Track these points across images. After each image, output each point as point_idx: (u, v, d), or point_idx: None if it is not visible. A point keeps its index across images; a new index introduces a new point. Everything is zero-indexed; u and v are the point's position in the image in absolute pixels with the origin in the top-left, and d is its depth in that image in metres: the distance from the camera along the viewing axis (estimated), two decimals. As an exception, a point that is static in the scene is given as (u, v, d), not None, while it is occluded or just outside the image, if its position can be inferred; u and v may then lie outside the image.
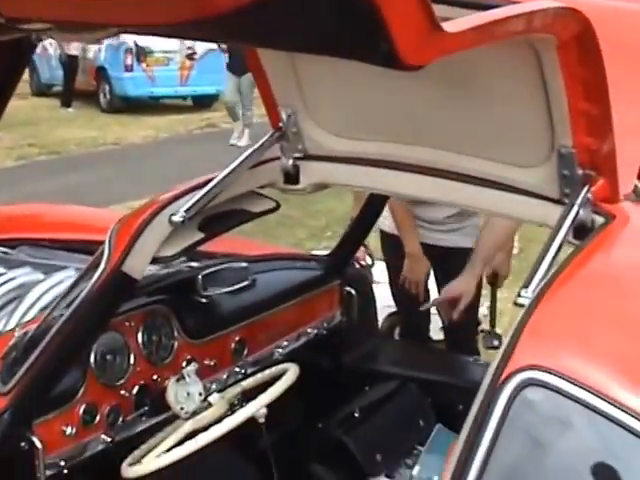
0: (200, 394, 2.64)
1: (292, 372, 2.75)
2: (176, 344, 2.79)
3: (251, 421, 2.78)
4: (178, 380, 2.63)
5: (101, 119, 15.96)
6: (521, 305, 1.77)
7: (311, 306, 3.33)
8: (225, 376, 2.92)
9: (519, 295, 1.78)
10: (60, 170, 11.27)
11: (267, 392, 2.63)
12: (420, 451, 3.17)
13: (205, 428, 2.54)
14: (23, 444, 2.30)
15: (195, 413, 2.61)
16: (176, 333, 2.80)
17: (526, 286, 1.79)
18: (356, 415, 3.14)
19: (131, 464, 2.49)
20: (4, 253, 3.47)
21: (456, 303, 3.74)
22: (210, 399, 2.64)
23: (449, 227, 4.00)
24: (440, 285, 3.99)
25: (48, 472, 2.35)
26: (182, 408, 2.60)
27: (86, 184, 10.02)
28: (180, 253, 2.42)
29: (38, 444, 2.30)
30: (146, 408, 2.65)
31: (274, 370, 2.86)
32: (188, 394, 2.61)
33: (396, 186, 2.50)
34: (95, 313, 2.31)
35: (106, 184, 10.09)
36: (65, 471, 2.41)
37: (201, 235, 2.45)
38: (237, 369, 2.97)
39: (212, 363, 2.87)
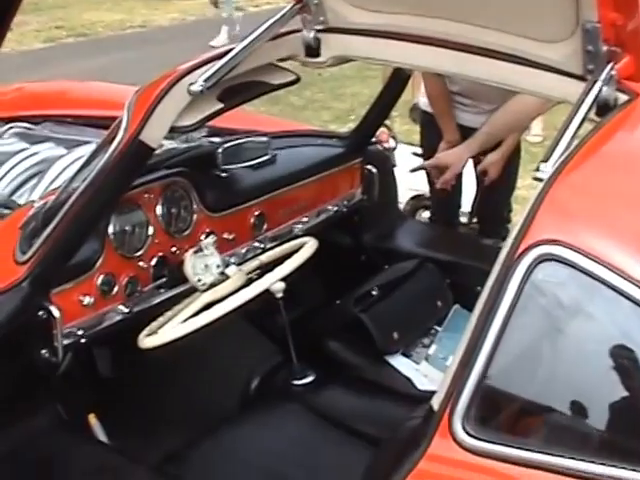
0: (218, 266, 2.61)
1: (310, 245, 2.72)
2: (195, 217, 2.76)
3: (269, 297, 2.77)
4: (196, 252, 2.60)
5: (129, 2, 15.69)
6: (540, 179, 1.71)
7: (331, 184, 3.28)
8: (244, 250, 2.89)
9: (538, 169, 1.72)
10: (87, 52, 11.11)
11: (284, 264, 2.60)
12: (437, 331, 3.16)
13: (222, 300, 2.52)
14: (41, 313, 2.29)
15: (212, 285, 2.59)
16: (195, 206, 2.76)
17: (545, 160, 1.73)
18: (374, 293, 3.11)
19: (148, 335, 2.48)
20: (28, 129, 3.42)
21: (444, 171, 3.64)
22: (227, 271, 2.61)
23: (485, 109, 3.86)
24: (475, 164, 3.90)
25: (66, 341, 2.34)
26: (199, 280, 2.58)
27: (113, 66, 9.88)
28: (198, 123, 2.36)
29: (56, 313, 2.29)
30: (164, 280, 2.63)
31: (292, 244, 2.83)
32: (206, 266, 2.59)
33: (416, 59, 2.42)
34: (112, 182, 2.26)
35: (132, 66, 9.94)
36: (82, 340, 2.40)
37: (220, 105, 2.39)
38: (256, 244, 2.94)
39: (231, 237, 2.84)
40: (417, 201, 4.58)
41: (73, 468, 2.28)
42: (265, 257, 2.84)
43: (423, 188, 4.22)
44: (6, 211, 2.69)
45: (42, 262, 2.28)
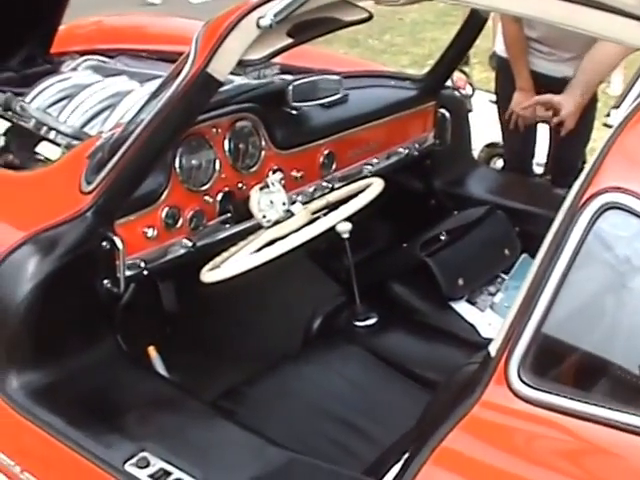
0: (283, 204, 2.56)
1: (377, 185, 2.65)
2: (263, 153, 2.71)
3: (335, 237, 2.72)
4: (262, 188, 2.56)
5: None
6: (609, 126, 1.62)
7: (403, 126, 3.20)
8: (311, 190, 2.84)
9: (608, 115, 1.63)
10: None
11: (349, 203, 2.54)
12: (503, 279, 3.09)
13: (286, 237, 2.48)
14: (104, 243, 2.27)
15: (277, 222, 2.55)
16: (264, 143, 2.71)
17: (617, 107, 1.64)
18: (442, 238, 3.04)
19: (210, 269, 2.45)
20: (102, 62, 3.39)
21: (556, 112, 3.51)
22: (293, 209, 2.56)
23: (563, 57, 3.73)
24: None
25: (128, 272, 2.32)
26: (264, 216, 2.54)
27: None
28: (266, 57, 2.29)
29: (119, 244, 2.26)
30: (229, 215, 2.59)
31: (359, 184, 2.77)
32: (271, 202, 2.55)
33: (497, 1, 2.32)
34: (178, 114, 2.21)
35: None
36: (145, 272, 2.38)
37: (289, 40, 2.32)
38: (324, 183, 2.89)
39: (299, 175, 2.78)
40: (491, 149, 4.47)
41: (129, 399, 2.26)
42: (332, 197, 2.78)
43: (497, 136, 4.12)
44: (76, 142, 2.67)
45: (107, 192, 2.25)
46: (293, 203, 2.60)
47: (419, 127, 3.27)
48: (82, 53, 3.47)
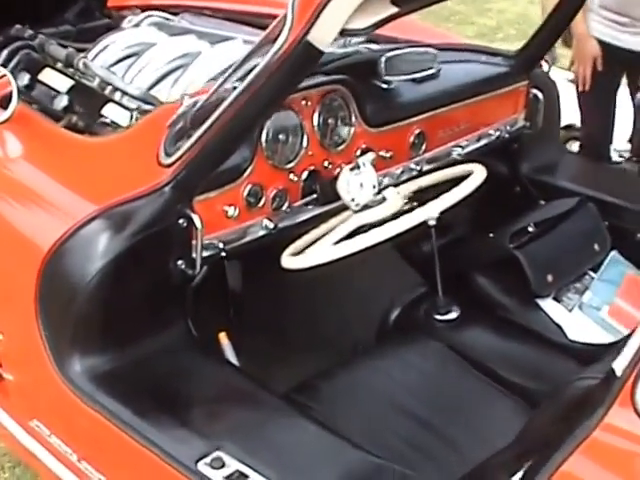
0: (374, 186, 2.30)
1: (480, 173, 2.38)
2: (352, 130, 2.44)
3: (419, 223, 2.46)
4: (352, 169, 2.29)
5: None
6: None
7: (494, 106, 2.91)
8: (399, 171, 2.57)
9: None
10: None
11: (452, 192, 2.27)
12: (592, 277, 2.81)
13: (375, 224, 2.23)
14: (182, 221, 2.02)
15: (366, 207, 2.29)
16: (354, 118, 2.44)
17: None
18: (530, 230, 2.77)
19: (293, 254, 2.21)
20: (166, 19, 3.10)
21: None
22: (385, 193, 2.30)
23: None
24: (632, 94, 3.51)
25: (205, 253, 2.07)
26: (353, 199, 2.28)
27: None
28: (371, 27, 2.02)
29: (198, 222, 2.01)
30: (314, 196, 2.34)
31: (457, 169, 2.50)
32: (361, 185, 2.28)
33: None
34: (273, 86, 1.94)
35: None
36: (222, 254, 2.13)
37: (395, 9, 2.04)
38: (413, 165, 2.62)
39: (388, 155, 2.51)
40: (568, 132, 4.17)
41: (200, 390, 2.03)
42: (424, 181, 2.52)
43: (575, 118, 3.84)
44: (147, 107, 2.41)
45: (189, 167, 1.99)
46: (383, 187, 2.34)
47: (510, 108, 2.98)
48: (142, 8, 3.17)
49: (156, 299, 2.07)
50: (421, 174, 2.59)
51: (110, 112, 2.44)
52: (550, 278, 2.69)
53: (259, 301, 2.47)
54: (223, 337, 2.27)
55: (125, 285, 1.99)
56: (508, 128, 2.94)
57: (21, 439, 2.23)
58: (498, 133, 2.90)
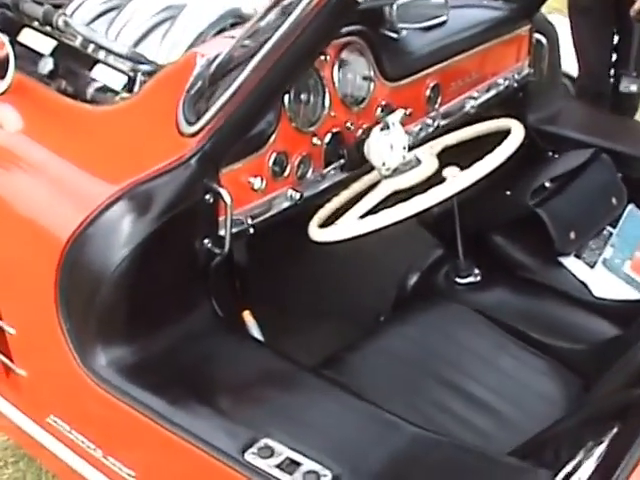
0: (404, 148, 2.12)
1: (518, 130, 2.21)
2: (372, 85, 2.26)
3: (436, 183, 2.29)
4: (382, 129, 2.11)
5: None
6: None
7: (501, 53, 2.75)
8: (416, 128, 2.41)
9: None
10: None
11: (494, 153, 2.08)
12: (610, 232, 2.69)
13: (408, 190, 2.06)
14: (208, 197, 1.82)
15: (396, 170, 2.12)
16: (372, 72, 2.26)
17: None
18: (547, 186, 2.63)
19: (322, 225, 2.04)
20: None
21: None
22: (417, 154, 2.13)
23: None
24: None
25: (233, 230, 1.88)
26: (384, 163, 2.10)
27: None
28: None
29: (227, 197, 1.81)
30: (342, 161, 2.16)
31: (488, 125, 2.34)
32: (391, 147, 2.10)
33: None
34: (309, 40, 1.72)
35: None
36: (250, 230, 1.95)
37: None
38: (428, 121, 2.45)
39: (407, 112, 2.33)
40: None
41: (234, 373, 1.84)
42: (450, 139, 2.35)
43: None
44: (144, 67, 2.18)
45: (215, 136, 1.78)
46: (412, 147, 2.17)
47: (514, 55, 2.82)
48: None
49: (181, 282, 1.88)
50: (439, 130, 2.42)
51: (101, 74, 2.22)
52: (573, 235, 2.56)
53: (280, 274, 2.30)
54: (247, 315, 2.09)
55: (151, 271, 1.80)
56: (516, 76, 2.79)
57: (35, 435, 2.05)
58: (507, 82, 2.74)
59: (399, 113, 2.14)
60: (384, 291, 2.50)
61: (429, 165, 2.12)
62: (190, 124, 1.82)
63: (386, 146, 2.09)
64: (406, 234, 2.61)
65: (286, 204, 2.05)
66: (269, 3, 1.88)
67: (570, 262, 2.57)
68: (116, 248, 1.75)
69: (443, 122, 2.49)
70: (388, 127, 2.09)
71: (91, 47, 2.26)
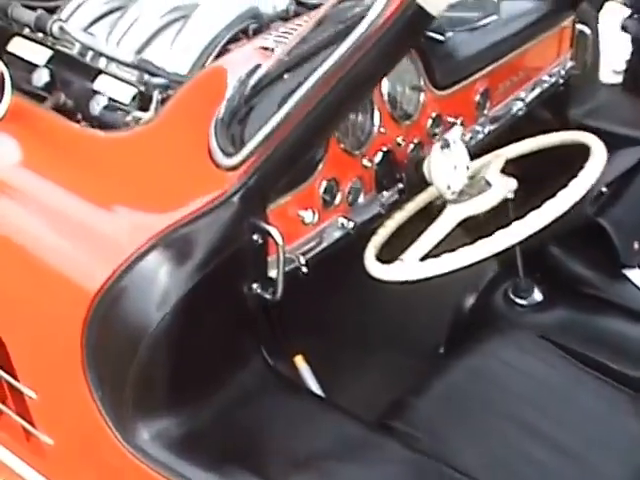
0: (467, 168, 1.88)
1: (598, 147, 1.98)
2: (422, 96, 2.02)
3: None
4: (442, 147, 1.86)
5: None
6: None
7: (544, 48, 2.49)
8: (467, 137, 2.16)
9: None
10: None
11: (580, 179, 1.85)
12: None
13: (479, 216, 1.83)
14: (256, 237, 1.58)
15: (462, 193, 1.88)
16: (422, 81, 2.02)
17: None
18: (603, 191, 2.40)
19: (379, 255, 1.80)
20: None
21: None
22: (485, 176, 1.89)
23: None
24: None
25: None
26: (449, 187, 1.86)
27: None
28: None
29: (277, 237, 1.56)
30: (400, 185, 1.93)
31: (564, 136, 2.11)
32: (455, 167, 1.86)
33: None
34: (375, 61, 1.47)
35: None
36: (304, 269, 1.71)
37: None
38: (478, 127, 2.21)
39: (458, 122, 2.10)
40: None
41: (295, 437, 1.60)
42: (511, 151, 2.11)
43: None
44: (156, 79, 1.92)
45: (260, 169, 1.53)
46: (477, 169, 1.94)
47: (556, 48, 2.57)
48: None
49: (229, 337, 1.64)
50: (489, 137, 2.18)
51: (105, 87, 1.94)
52: (637, 245, 2.34)
53: (323, 311, 2.06)
54: (300, 361, 1.86)
55: (196, 327, 1.55)
56: (561, 72, 2.54)
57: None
58: (553, 79, 2.50)
59: (458, 129, 1.91)
60: (440, 315, 2.28)
61: (501, 187, 1.88)
62: (228, 155, 1.56)
63: (450, 167, 1.85)
64: None
65: (337, 234, 1.81)
66: (320, 13, 1.63)
67: (635, 275, 2.34)
68: (155, 303, 1.49)
69: (492, 127, 2.25)
70: (448, 145, 1.84)
71: (91, 55, 2.02)
